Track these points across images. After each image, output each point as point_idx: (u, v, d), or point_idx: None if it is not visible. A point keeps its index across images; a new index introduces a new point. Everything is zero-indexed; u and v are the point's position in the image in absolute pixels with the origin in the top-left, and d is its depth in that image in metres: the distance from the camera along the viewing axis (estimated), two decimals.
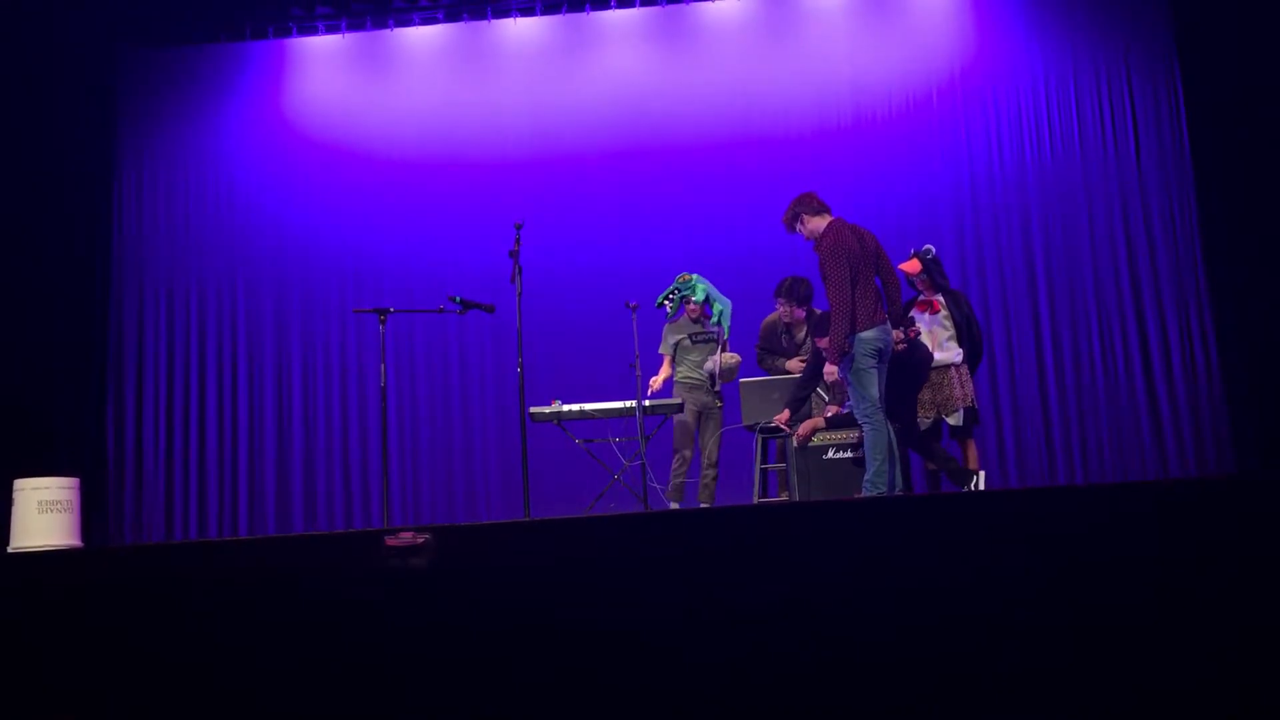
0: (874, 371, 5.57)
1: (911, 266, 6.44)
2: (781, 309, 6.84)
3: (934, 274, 6.46)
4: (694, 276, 7.03)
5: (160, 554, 3.87)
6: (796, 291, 6.74)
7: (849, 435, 6.24)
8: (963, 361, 6.38)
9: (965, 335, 6.40)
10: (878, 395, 5.57)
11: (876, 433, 5.54)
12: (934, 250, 6.51)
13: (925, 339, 6.34)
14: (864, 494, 5.50)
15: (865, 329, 5.55)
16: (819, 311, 6.70)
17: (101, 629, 3.29)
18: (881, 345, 5.60)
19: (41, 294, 8.43)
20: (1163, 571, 3.06)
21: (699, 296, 6.99)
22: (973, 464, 6.38)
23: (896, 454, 5.69)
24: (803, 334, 6.86)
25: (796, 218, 5.77)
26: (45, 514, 5.82)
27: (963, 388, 6.34)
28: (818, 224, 5.71)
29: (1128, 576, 3.06)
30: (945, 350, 6.37)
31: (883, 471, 5.51)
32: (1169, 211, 8.43)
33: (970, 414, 6.37)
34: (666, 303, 7.04)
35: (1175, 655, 2.95)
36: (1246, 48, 7.77)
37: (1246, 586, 3.00)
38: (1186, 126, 8.41)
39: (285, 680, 3.19)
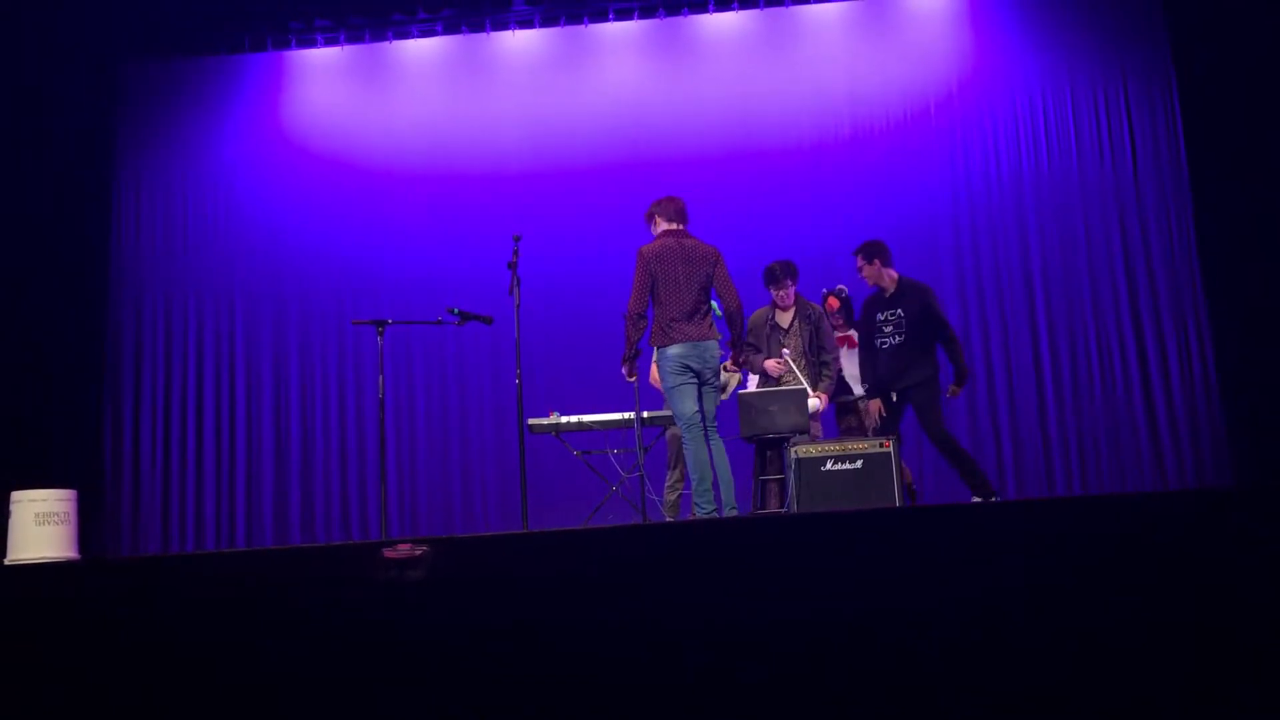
0: (688, 388, 5.59)
1: (833, 303, 6.89)
2: (774, 293, 6.76)
3: (849, 312, 6.92)
4: None
5: (157, 566, 3.86)
6: (789, 272, 6.69)
7: (848, 447, 6.24)
8: None
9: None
10: (695, 410, 5.60)
11: (695, 449, 5.58)
12: (846, 290, 6.97)
13: (847, 371, 6.76)
14: (695, 514, 5.59)
15: (668, 345, 5.57)
16: (812, 304, 6.73)
17: (98, 641, 3.28)
18: (691, 362, 5.60)
19: (40, 306, 8.43)
20: (1161, 584, 3.06)
21: (718, 314, 6.99)
22: (907, 477, 6.63)
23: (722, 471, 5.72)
24: (789, 320, 6.76)
25: (651, 217, 5.89)
26: (42, 526, 5.81)
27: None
28: (658, 229, 5.84)
29: (1126, 589, 3.06)
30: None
31: (704, 490, 5.54)
32: (1165, 223, 8.45)
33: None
34: None
35: (1171, 668, 2.94)
36: (1243, 60, 7.80)
37: (1245, 599, 2.99)
38: (1183, 138, 8.43)
39: (282, 693, 3.18)
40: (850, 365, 6.75)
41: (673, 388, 5.59)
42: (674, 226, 5.78)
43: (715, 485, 5.70)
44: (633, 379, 5.76)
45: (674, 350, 5.58)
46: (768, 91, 8.99)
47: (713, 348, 5.68)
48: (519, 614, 3.18)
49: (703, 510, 5.58)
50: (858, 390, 6.75)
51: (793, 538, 3.40)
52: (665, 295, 5.59)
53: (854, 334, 6.79)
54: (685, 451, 5.64)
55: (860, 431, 6.60)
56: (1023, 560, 3.16)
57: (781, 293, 6.67)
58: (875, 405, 6.32)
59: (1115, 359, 8.38)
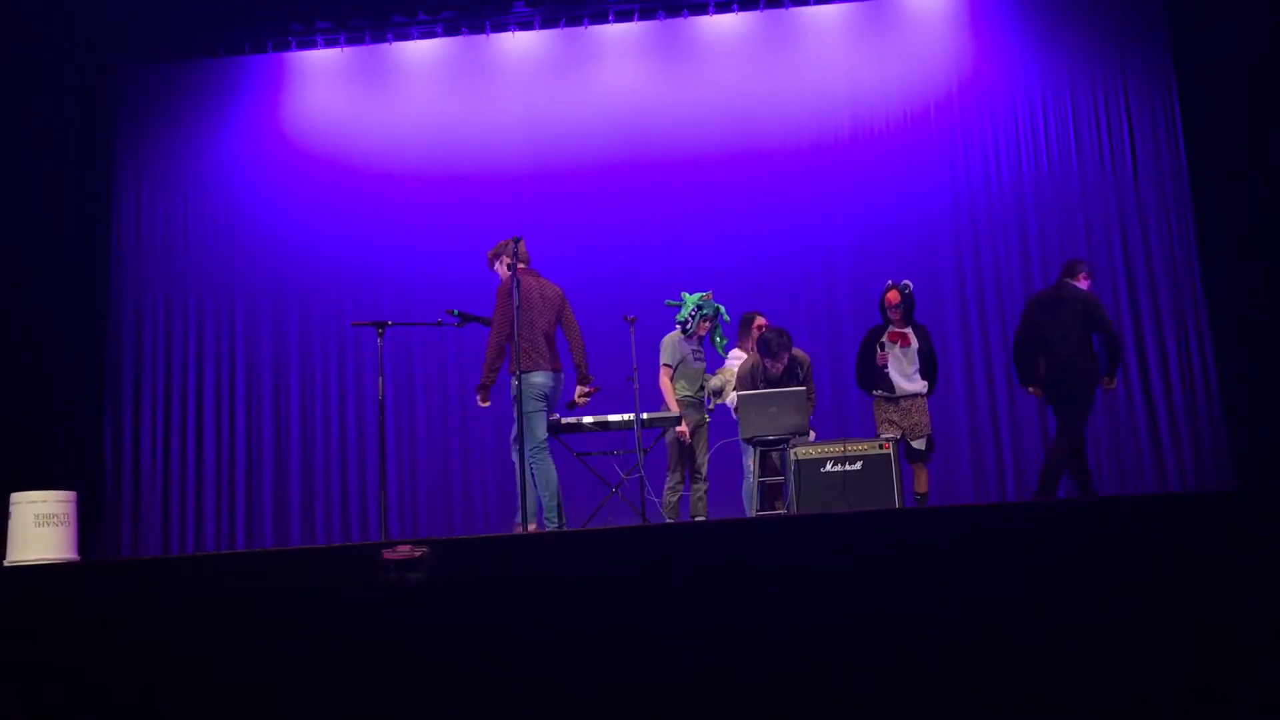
0: (542, 414, 6.13)
1: (893, 297, 6.77)
2: (769, 364, 6.71)
3: (909, 307, 6.82)
4: (709, 295, 6.96)
5: (157, 568, 3.86)
6: (785, 346, 6.60)
7: (848, 449, 6.24)
8: (927, 392, 6.85)
9: (929, 368, 6.84)
10: (545, 436, 6.13)
11: (545, 471, 6.10)
12: (911, 286, 6.86)
13: (893, 368, 6.72)
14: (544, 529, 6.00)
15: (532, 372, 6.05)
16: (799, 355, 6.70)
17: (98, 643, 3.28)
18: (549, 391, 6.14)
19: (40, 308, 8.43)
20: (1161, 585, 3.06)
21: (726, 319, 6.99)
22: (923, 488, 6.76)
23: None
24: (779, 373, 6.73)
25: (497, 257, 6.38)
26: (42, 527, 5.81)
27: (928, 415, 6.81)
28: (505, 271, 6.26)
29: (1126, 590, 3.06)
30: (914, 381, 6.78)
31: (553, 506, 6.06)
32: (1165, 223, 8.43)
33: (930, 441, 6.81)
34: (689, 319, 6.91)
35: (1171, 668, 2.94)
36: (1243, 61, 7.80)
37: (1245, 600, 2.99)
38: (1183, 140, 8.42)
39: (282, 695, 3.18)
40: (899, 364, 6.74)
41: (533, 412, 6.10)
42: (523, 266, 6.21)
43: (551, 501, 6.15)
44: (486, 404, 6.23)
45: (538, 378, 6.10)
46: (768, 93, 8.98)
47: (560, 377, 6.25)
48: (519, 614, 3.18)
49: (553, 525, 6.01)
50: (907, 388, 6.73)
51: (793, 538, 3.40)
52: (528, 328, 6.09)
53: (909, 331, 6.78)
54: (534, 472, 6.06)
55: (899, 428, 6.63)
56: (1023, 561, 3.16)
57: (777, 364, 6.62)
58: None
59: None
